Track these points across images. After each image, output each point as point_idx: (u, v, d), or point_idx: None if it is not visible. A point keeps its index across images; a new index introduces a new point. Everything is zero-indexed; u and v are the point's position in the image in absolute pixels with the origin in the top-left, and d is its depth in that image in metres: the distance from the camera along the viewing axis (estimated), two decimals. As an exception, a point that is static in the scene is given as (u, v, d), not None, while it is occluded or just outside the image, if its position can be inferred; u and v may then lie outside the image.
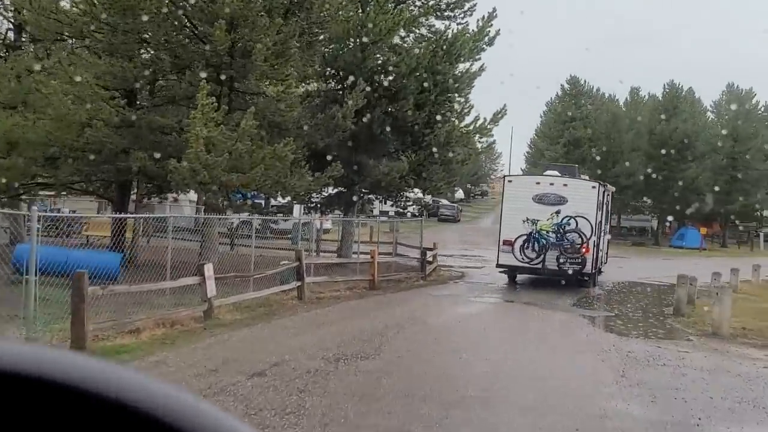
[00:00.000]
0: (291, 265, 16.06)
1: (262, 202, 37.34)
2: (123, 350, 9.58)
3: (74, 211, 29.77)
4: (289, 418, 6.61)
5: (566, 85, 58.60)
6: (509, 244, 20.49)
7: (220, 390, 7.51)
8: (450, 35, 23.38)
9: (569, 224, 20.24)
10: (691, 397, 8.20)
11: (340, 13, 21.09)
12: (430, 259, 23.82)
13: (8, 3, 20.95)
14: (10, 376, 0.58)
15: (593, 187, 21.57)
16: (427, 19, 24.24)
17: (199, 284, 12.62)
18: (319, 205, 26.12)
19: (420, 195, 29.68)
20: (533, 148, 65.32)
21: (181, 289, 13.06)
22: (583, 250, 19.95)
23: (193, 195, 23.15)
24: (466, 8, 23.70)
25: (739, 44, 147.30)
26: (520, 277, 21.77)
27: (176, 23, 18.77)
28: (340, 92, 22.75)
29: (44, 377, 0.58)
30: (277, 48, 17.86)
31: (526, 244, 20.35)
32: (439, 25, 24.43)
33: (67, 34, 19.77)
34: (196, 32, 18.85)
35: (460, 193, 73.04)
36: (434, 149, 22.99)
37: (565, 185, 20.79)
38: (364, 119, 22.66)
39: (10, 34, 22.25)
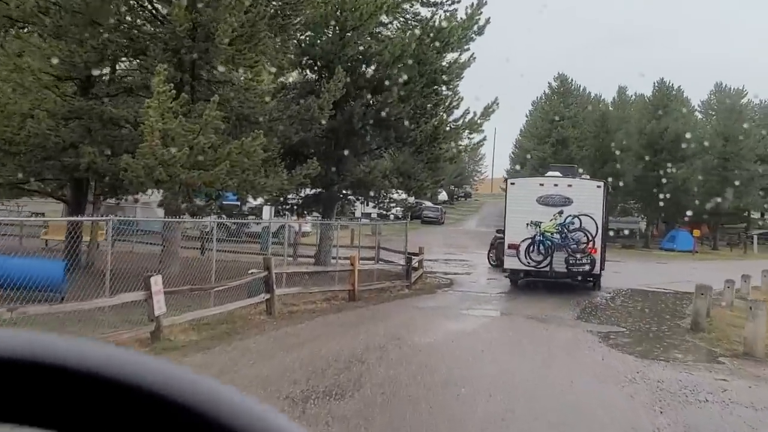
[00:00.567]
0: (259, 275, 14.08)
1: (237, 203, 35.29)
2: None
3: (42, 214, 27.68)
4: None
5: (554, 83, 57.00)
6: (515, 247, 19.98)
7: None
8: (437, 22, 21.50)
9: (573, 223, 19.82)
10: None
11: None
12: (416, 265, 21.94)
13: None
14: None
15: (598, 186, 21.00)
16: (412, 6, 22.34)
17: (146, 300, 10.63)
18: (295, 207, 24.13)
19: (404, 196, 27.83)
20: (519, 148, 63.75)
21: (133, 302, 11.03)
22: (590, 250, 19.61)
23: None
24: (454, -6, 21.86)
25: (728, 44, 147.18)
26: (513, 285, 20.89)
27: (131, 2, 16.77)
28: (318, 83, 20.80)
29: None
30: (245, 30, 15.88)
31: (531, 247, 19.87)
32: (425, 12, 22.58)
33: (14, 17, 17.64)
34: (152, 12, 16.85)
35: (443, 195, 71.43)
36: (420, 145, 21.16)
37: (569, 186, 20.33)
38: (344, 112, 20.76)
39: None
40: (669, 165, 49.70)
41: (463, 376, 9.24)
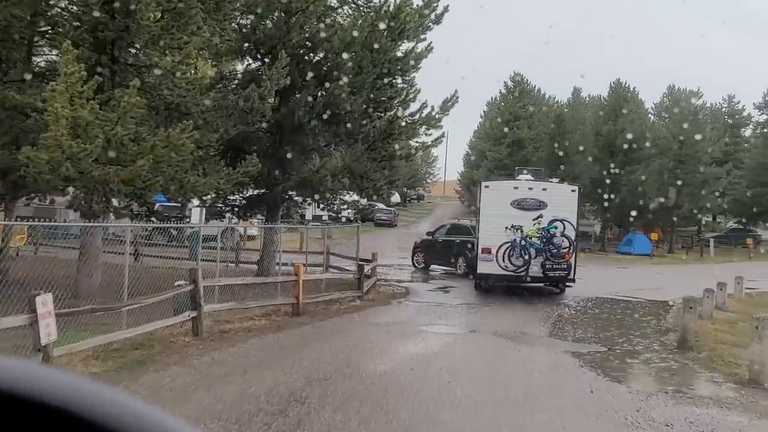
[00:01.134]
0: (185, 288, 11.99)
1: (179, 205, 32.78)
2: None
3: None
4: None
5: (510, 83, 55.78)
6: (488, 251, 19.46)
7: None
8: (392, 7, 19.62)
9: (556, 228, 19.44)
10: None
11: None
12: (369, 272, 20.07)
13: None
14: None
15: (573, 190, 20.64)
16: (364, -10, 20.45)
17: (30, 325, 8.47)
18: (236, 209, 21.98)
19: (356, 197, 25.93)
20: (473, 150, 62.44)
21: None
22: (567, 255, 19.44)
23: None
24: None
25: (680, 48, 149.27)
26: (478, 291, 20.10)
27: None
28: (260, 72, 18.75)
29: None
30: (171, 5, 13.76)
31: (511, 252, 19.36)
32: (378, -2, 20.67)
33: None
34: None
35: (396, 197, 69.85)
36: (373, 142, 19.31)
37: (544, 189, 19.97)
38: (289, 105, 18.77)
39: None
40: (625, 167, 48.96)
41: (429, 421, 7.37)
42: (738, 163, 58.68)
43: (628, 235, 48.88)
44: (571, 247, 19.64)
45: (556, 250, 19.35)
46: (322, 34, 18.25)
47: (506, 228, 19.18)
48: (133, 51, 15.17)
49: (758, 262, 43.94)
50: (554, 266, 19.47)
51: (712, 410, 8.29)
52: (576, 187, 21.13)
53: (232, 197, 20.99)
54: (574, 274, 19.94)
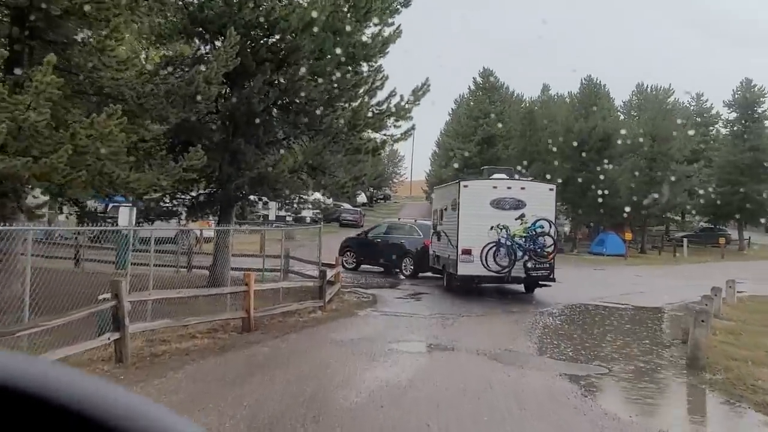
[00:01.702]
0: (105, 305, 9.94)
1: (129, 205, 30.42)
2: None
3: None
4: None
5: (479, 79, 54.23)
6: (468, 252, 18.93)
7: None
8: (357, -15, 17.70)
9: (542, 227, 19.09)
10: None
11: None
12: (332, 278, 18.17)
13: None
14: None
15: (551, 189, 20.24)
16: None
17: None
18: (186, 209, 19.83)
19: (318, 196, 23.98)
20: (441, 148, 60.82)
21: None
22: (550, 255, 19.16)
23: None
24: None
25: (652, 43, 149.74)
26: (449, 300, 18.71)
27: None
28: (209, 54, 16.70)
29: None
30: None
31: (496, 252, 18.80)
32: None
33: None
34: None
35: (362, 197, 68.05)
36: (337, 134, 17.40)
37: (522, 188, 19.67)
38: (242, 92, 16.76)
39: None
40: (598, 165, 47.72)
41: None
42: (707, 162, 58.07)
43: (600, 235, 47.69)
44: (554, 247, 19.53)
45: (540, 250, 19.01)
46: (279, 12, 16.26)
47: (491, 228, 18.67)
48: (54, 25, 13.01)
49: (730, 261, 43.12)
50: (537, 266, 19.05)
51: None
52: (553, 186, 20.71)
53: (181, 196, 18.94)
54: (553, 274, 19.50)
